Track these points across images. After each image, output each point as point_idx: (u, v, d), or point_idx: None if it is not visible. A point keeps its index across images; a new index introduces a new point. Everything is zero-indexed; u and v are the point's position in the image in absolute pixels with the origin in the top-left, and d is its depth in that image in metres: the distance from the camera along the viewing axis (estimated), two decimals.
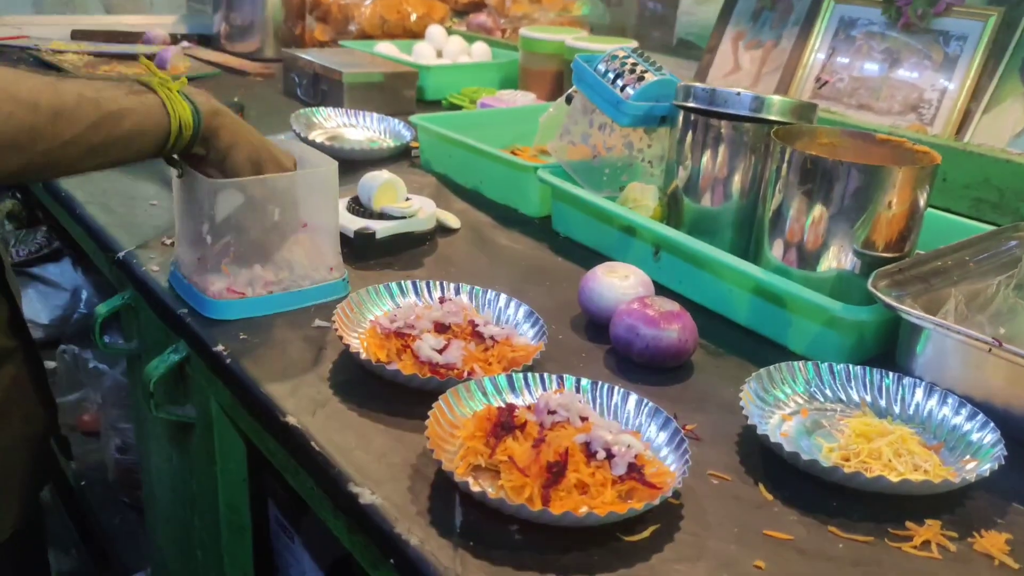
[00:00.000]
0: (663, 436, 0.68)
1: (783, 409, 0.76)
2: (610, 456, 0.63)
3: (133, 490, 1.50)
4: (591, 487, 0.60)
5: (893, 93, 1.46)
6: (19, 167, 0.68)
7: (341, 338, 0.76)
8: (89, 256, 1.17)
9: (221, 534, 0.90)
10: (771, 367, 0.77)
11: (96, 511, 1.50)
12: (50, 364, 1.74)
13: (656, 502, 0.59)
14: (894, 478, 0.64)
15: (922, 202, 0.86)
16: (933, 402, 0.74)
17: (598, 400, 0.73)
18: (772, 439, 0.67)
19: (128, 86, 0.76)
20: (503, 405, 0.69)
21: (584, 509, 0.58)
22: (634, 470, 0.62)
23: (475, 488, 0.59)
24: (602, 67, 1.09)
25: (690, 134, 1.00)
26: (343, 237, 0.97)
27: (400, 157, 1.40)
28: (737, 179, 0.99)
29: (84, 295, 1.88)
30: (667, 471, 0.64)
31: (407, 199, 1.08)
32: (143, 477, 1.15)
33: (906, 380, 0.76)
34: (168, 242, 1.01)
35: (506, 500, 0.58)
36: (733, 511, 0.63)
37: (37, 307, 1.88)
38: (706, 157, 1.00)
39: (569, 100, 1.20)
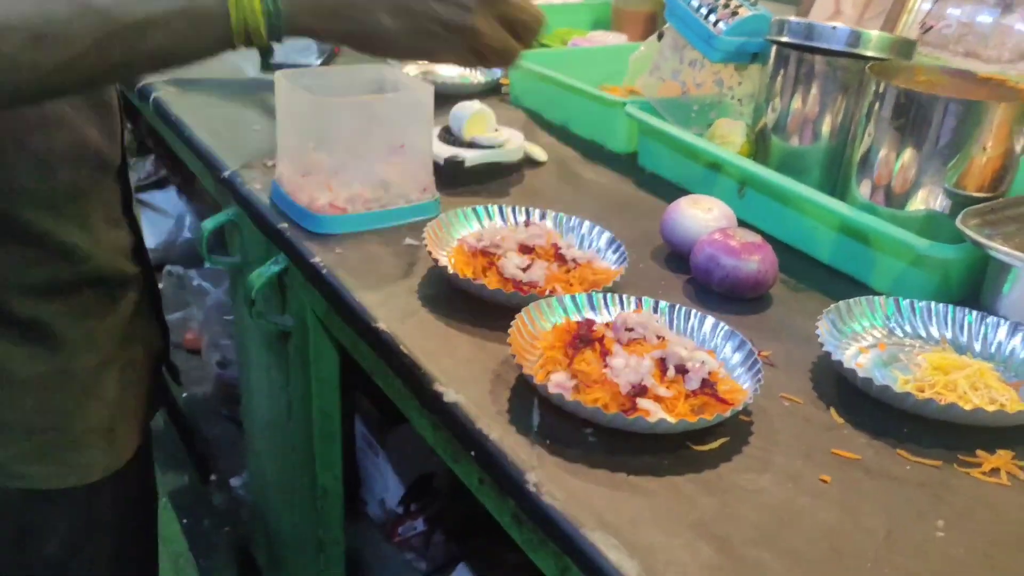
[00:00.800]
0: (737, 357, 0.70)
1: (860, 342, 0.76)
2: (684, 372, 0.65)
3: (232, 403, 1.59)
4: (665, 400, 0.63)
5: (1004, 40, 1.40)
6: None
7: (430, 254, 0.80)
8: (194, 181, 1.25)
9: (314, 439, 0.96)
10: (850, 300, 0.77)
11: (198, 423, 1.60)
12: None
13: (727, 415, 0.61)
14: (967, 407, 0.64)
15: (1021, 143, 0.84)
16: (1017, 341, 0.74)
17: (675, 322, 0.75)
18: (846, 365, 0.68)
19: None
20: (582, 320, 0.72)
21: (656, 416, 0.61)
22: (707, 385, 0.64)
23: (553, 391, 0.62)
24: (696, 2, 1.09)
25: (782, 70, 1.00)
26: (434, 165, 1.00)
27: (490, 93, 1.42)
28: (828, 118, 0.98)
29: (188, 221, 1.98)
30: (739, 389, 0.66)
31: (496, 130, 1.10)
32: (242, 387, 1.23)
33: (990, 318, 0.76)
34: (270, 164, 1.06)
35: (582, 403, 0.61)
36: (802, 431, 0.65)
37: (145, 232, 1.99)
38: (798, 94, 0.99)
39: (660, 37, 1.20)
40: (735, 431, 0.64)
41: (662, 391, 0.63)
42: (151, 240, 2.00)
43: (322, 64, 1.51)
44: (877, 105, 0.87)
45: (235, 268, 1.10)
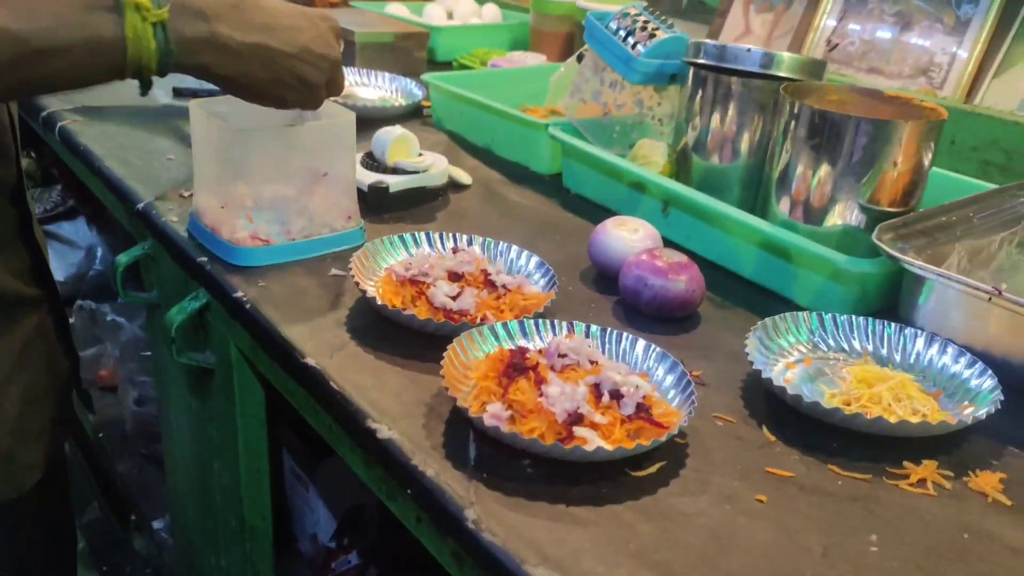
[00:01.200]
0: (670, 379, 0.71)
1: (787, 357, 0.78)
2: (619, 397, 0.65)
3: (150, 442, 1.53)
4: (601, 427, 0.63)
5: (904, 57, 1.46)
6: None
7: (358, 284, 0.79)
8: (105, 212, 1.20)
9: (240, 478, 0.93)
10: (775, 317, 0.79)
11: (115, 463, 1.53)
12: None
13: (663, 439, 0.61)
14: (893, 420, 0.66)
15: (928, 158, 0.88)
16: (933, 351, 0.76)
17: (607, 345, 0.75)
18: (776, 383, 0.69)
19: (82, 7, 0.64)
20: (515, 349, 0.71)
21: (593, 444, 0.60)
22: (642, 410, 0.64)
23: (488, 423, 0.61)
24: (614, 24, 1.10)
25: (700, 91, 1.02)
26: (358, 192, 0.98)
27: (412, 116, 1.41)
28: (746, 137, 1.00)
29: (99, 252, 1.90)
30: (674, 411, 0.66)
31: (420, 154, 1.09)
32: (162, 425, 1.18)
33: (908, 330, 0.78)
34: (186, 194, 1.03)
35: (519, 435, 0.60)
36: (737, 450, 0.66)
37: (53, 264, 1.90)
38: (715, 114, 1.01)
39: (580, 59, 1.21)
40: (671, 454, 0.64)
41: (598, 418, 0.63)
42: (59, 273, 1.91)
43: None
44: (792, 124, 0.89)
45: (152, 304, 1.06)
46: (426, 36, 1.70)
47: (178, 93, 1.45)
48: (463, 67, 1.71)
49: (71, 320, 1.74)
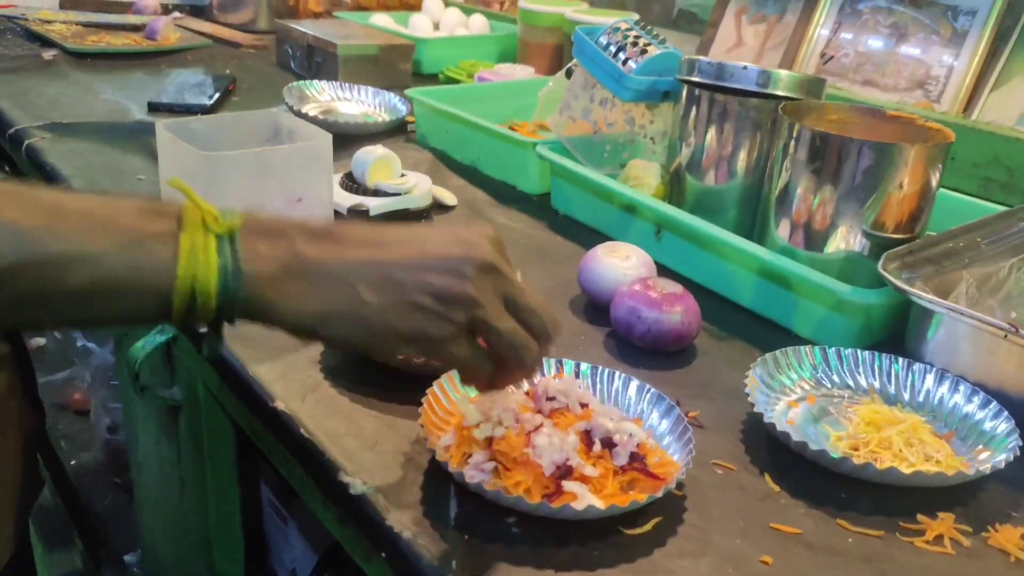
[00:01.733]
0: (666, 424, 0.66)
1: (789, 395, 0.73)
2: (611, 445, 0.60)
3: (123, 471, 1.47)
4: (592, 480, 0.58)
5: (900, 69, 1.43)
6: None
7: None
8: None
9: (210, 520, 0.88)
10: (777, 352, 0.74)
11: (88, 496, 1.47)
12: (40, 341, 1.72)
13: (659, 494, 0.56)
14: (906, 469, 0.61)
15: (934, 181, 0.83)
16: (944, 389, 0.72)
17: (598, 386, 0.70)
18: (779, 427, 0.64)
19: (134, 212, 0.46)
20: None
21: (584, 503, 0.56)
22: (636, 460, 0.60)
23: (470, 480, 0.57)
24: (604, 39, 1.05)
25: (694, 109, 0.97)
26: (336, 214, 0.94)
27: (396, 132, 1.37)
28: (742, 157, 0.96)
29: None
30: (670, 461, 0.61)
31: (402, 175, 1.05)
32: (131, 458, 1.12)
33: (916, 366, 0.74)
34: None
35: (503, 493, 0.55)
36: (738, 503, 0.61)
37: None
38: (710, 134, 0.96)
39: (569, 74, 1.17)
40: (668, 508, 0.59)
41: (588, 470, 0.58)
42: None
43: (215, 103, 1.42)
44: (792, 146, 0.85)
45: (119, 334, 1.00)
46: (411, 48, 1.66)
47: (153, 108, 1.40)
48: (449, 79, 1.67)
49: (43, 341, 1.69)
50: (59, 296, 0.44)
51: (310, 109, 1.39)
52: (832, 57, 1.54)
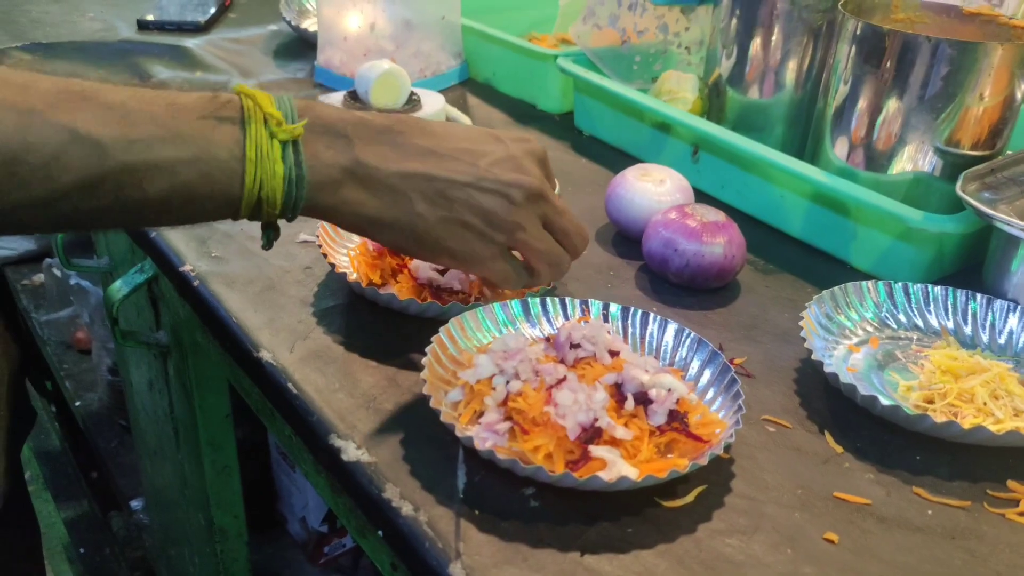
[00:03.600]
0: (708, 374, 0.57)
1: (850, 338, 0.64)
2: (646, 402, 0.51)
3: (127, 413, 1.42)
4: (624, 443, 0.49)
5: None
6: None
7: (326, 256, 0.65)
8: None
9: (206, 474, 0.81)
10: (835, 288, 0.65)
11: (93, 434, 1.42)
12: (40, 278, 1.65)
13: (704, 461, 0.48)
14: (995, 428, 0.52)
15: (1020, 91, 0.72)
16: None
17: (630, 330, 0.61)
18: (843, 379, 0.55)
19: (195, 114, 0.47)
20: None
21: (615, 472, 0.47)
22: (676, 419, 0.51)
23: (481, 445, 0.48)
24: None
25: (737, 11, 0.85)
26: None
27: None
28: (792, 65, 0.84)
29: None
30: (715, 419, 0.52)
31: (413, 95, 0.94)
32: (128, 403, 1.06)
33: (997, 303, 0.64)
34: None
35: (520, 462, 0.47)
36: (795, 467, 0.52)
37: None
38: (756, 40, 0.85)
39: None
40: (713, 475, 0.51)
41: (620, 432, 0.49)
42: None
43: (209, 21, 1.31)
44: (853, 49, 0.73)
45: (105, 272, 0.92)
46: None
47: (143, 27, 1.29)
48: None
49: (42, 278, 1.61)
50: (139, 204, 0.46)
51: (310, 25, 1.27)
52: None
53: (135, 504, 1.30)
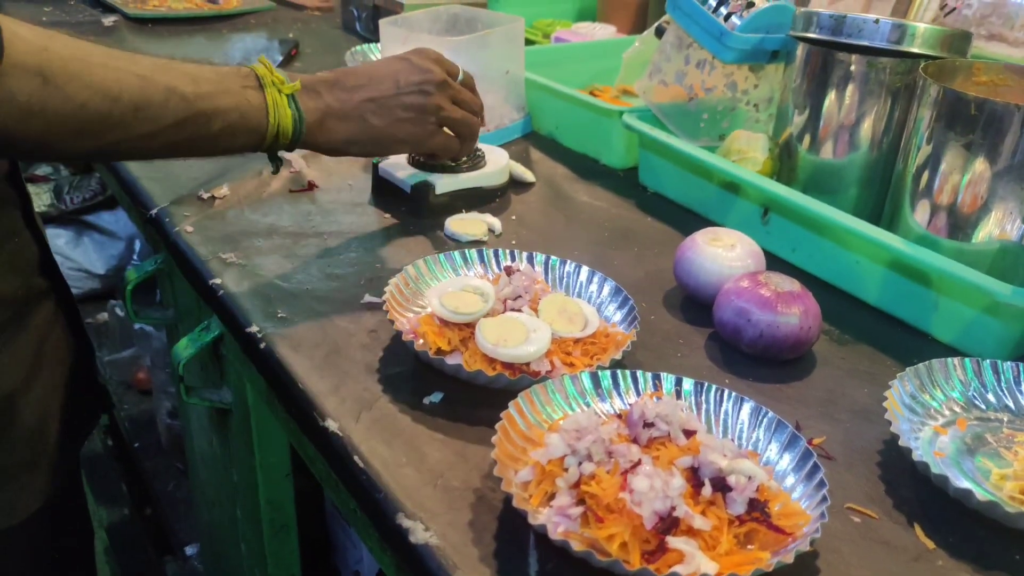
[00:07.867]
0: (787, 458, 0.55)
1: (935, 419, 0.61)
2: (725, 489, 0.49)
3: (185, 457, 1.43)
4: (702, 534, 0.47)
5: None
6: (86, 151, 0.64)
7: (392, 322, 0.64)
8: None
9: (263, 533, 0.80)
10: (920, 366, 0.62)
11: (149, 475, 1.43)
12: (102, 316, 1.68)
13: (789, 560, 0.45)
14: None
15: None
16: None
17: (703, 407, 0.59)
18: (934, 470, 0.52)
19: (235, 80, 0.69)
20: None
21: (694, 565, 0.45)
22: (756, 508, 0.49)
23: (554, 532, 0.46)
24: None
25: (809, 71, 0.84)
26: (399, 190, 0.85)
27: None
28: (867, 125, 0.82)
29: (139, 245, 1.80)
30: (797, 510, 0.50)
31: (476, 149, 0.94)
32: (187, 455, 1.06)
33: None
34: (205, 196, 0.89)
35: (594, 554, 0.45)
36: (884, 564, 0.49)
37: (93, 256, 1.82)
38: (829, 99, 0.83)
39: (660, 32, 1.04)
40: (796, 570, 0.48)
41: (698, 522, 0.47)
42: (99, 265, 1.82)
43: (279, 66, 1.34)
44: (935, 113, 0.71)
45: (171, 324, 0.93)
46: (483, 6, 1.54)
47: None
48: (525, 41, 1.55)
49: (106, 316, 1.64)
50: (205, 138, 0.68)
51: None
52: (954, 9, 1.36)
53: (189, 551, 1.30)
